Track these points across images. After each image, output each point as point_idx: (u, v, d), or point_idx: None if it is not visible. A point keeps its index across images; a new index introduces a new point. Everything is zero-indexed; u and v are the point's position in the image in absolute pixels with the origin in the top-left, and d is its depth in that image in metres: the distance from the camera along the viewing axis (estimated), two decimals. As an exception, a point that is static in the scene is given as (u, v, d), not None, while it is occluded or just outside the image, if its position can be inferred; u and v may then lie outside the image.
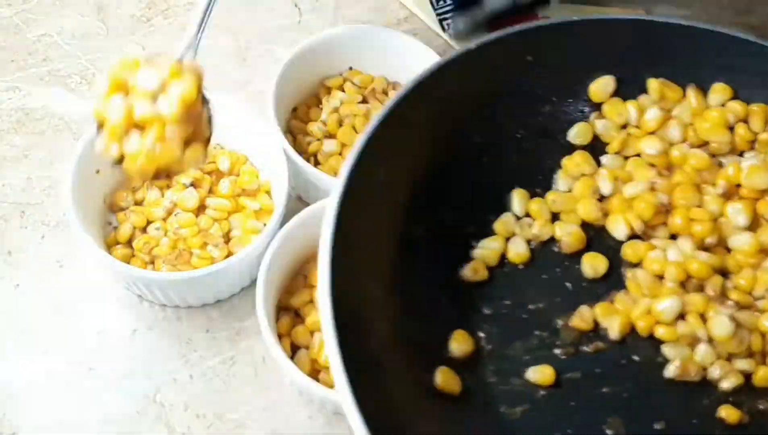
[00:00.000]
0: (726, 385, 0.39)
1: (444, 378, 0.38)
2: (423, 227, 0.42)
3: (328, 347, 0.34)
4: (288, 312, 0.47)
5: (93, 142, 0.48)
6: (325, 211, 0.38)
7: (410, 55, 0.55)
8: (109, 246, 0.49)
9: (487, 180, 0.44)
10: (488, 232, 0.43)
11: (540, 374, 0.39)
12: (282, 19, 0.63)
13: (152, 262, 0.48)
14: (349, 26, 0.56)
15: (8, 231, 0.51)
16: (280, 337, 0.45)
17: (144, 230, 0.49)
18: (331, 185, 0.49)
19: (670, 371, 0.40)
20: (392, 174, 0.41)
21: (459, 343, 0.40)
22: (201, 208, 0.50)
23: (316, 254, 0.48)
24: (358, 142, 0.40)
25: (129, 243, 0.49)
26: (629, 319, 0.41)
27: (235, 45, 0.61)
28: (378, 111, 0.42)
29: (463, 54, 0.44)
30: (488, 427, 0.38)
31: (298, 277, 0.48)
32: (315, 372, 0.45)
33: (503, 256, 0.43)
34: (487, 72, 0.45)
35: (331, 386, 0.44)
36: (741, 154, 0.45)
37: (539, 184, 0.45)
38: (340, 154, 0.52)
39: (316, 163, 0.53)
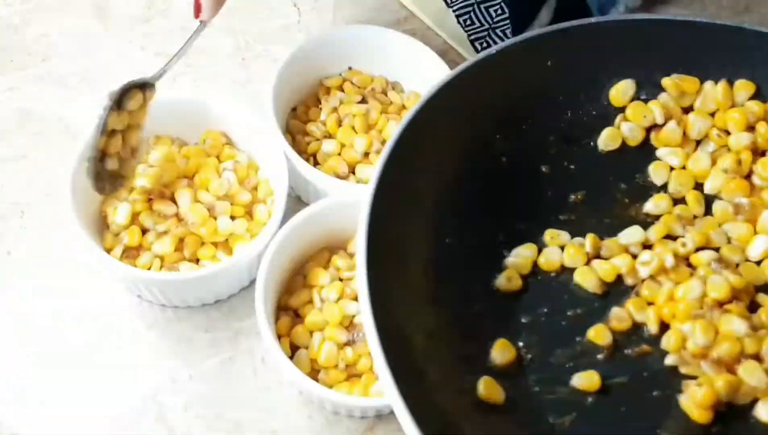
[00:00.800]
0: None
1: (487, 387, 0.37)
2: (453, 237, 0.41)
3: (376, 360, 0.34)
4: (287, 312, 0.47)
5: (92, 142, 0.48)
6: (359, 227, 0.37)
7: (409, 55, 0.55)
8: (109, 246, 0.49)
9: (515, 187, 0.44)
10: (518, 240, 0.43)
11: (585, 380, 0.38)
12: (282, 19, 0.63)
13: (151, 263, 0.48)
14: (348, 26, 0.56)
15: (8, 231, 0.51)
16: (279, 337, 0.45)
17: (142, 231, 0.49)
18: (330, 185, 0.50)
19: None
20: (419, 182, 0.41)
21: (501, 352, 0.39)
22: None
23: (315, 254, 0.49)
24: (386, 147, 0.40)
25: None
26: (661, 309, 0.40)
27: (234, 45, 0.61)
28: (404, 115, 0.41)
29: (482, 60, 0.44)
30: None
31: (298, 276, 0.49)
32: (314, 372, 0.46)
33: (536, 265, 0.42)
34: (507, 78, 0.44)
35: (330, 386, 0.44)
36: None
37: (569, 190, 0.44)
38: (339, 154, 0.52)
39: (316, 164, 0.52)
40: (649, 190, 0.45)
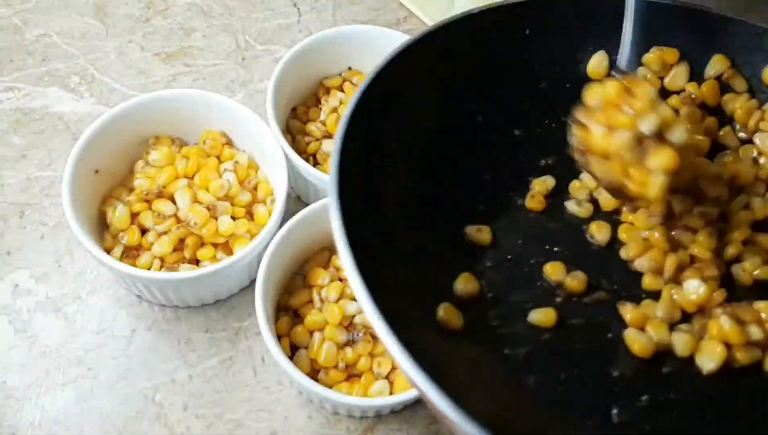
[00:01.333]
0: None
1: (446, 312, 0.38)
2: (430, 182, 0.42)
3: (349, 275, 0.35)
4: (287, 312, 0.47)
5: (92, 142, 0.48)
6: (329, 173, 0.38)
7: (409, 55, 0.55)
8: (108, 246, 0.49)
9: (487, 146, 0.44)
10: (488, 196, 0.43)
11: (542, 316, 0.39)
12: (281, 19, 0.63)
13: (151, 263, 0.48)
14: (348, 26, 0.56)
15: (7, 231, 0.51)
16: (279, 337, 0.45)
17: (142, 231, 0.49)
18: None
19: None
20: (390, 134, 0.41)
21: (464, 284, 0.40)
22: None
23: (315, 254, 0.49)
24: (355, 94, 0.40)
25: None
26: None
27: (234, 45, 0.61)
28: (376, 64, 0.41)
29: (462, 17, 0.45)
30: (492, 366, 0.38)
31: (297, 277, 0.49)
32: (314, 372, 0.46)
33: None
34: (485, 40, 0.45)
35: (330, 386, 0.44)
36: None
37: (540, 155, 0.45)
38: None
39: (315, 163, 0.53)
40: None
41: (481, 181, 0.44)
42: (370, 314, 0.34)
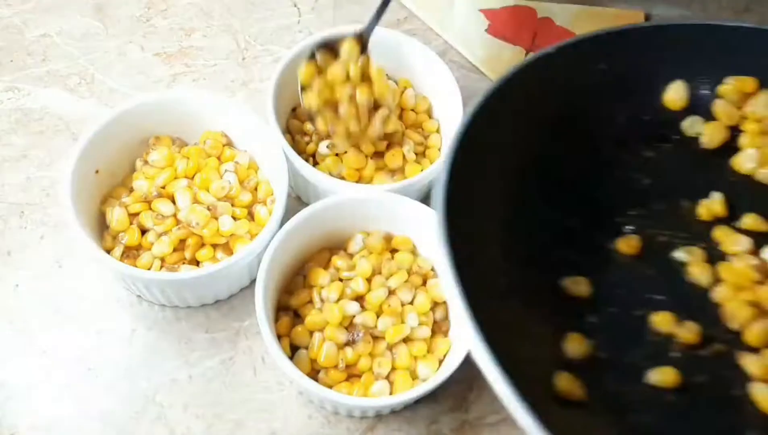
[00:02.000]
0: None
1: (566, 382, 0.36)
2: (522, 237, 0.40)
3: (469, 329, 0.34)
4: (287, 312, 0.47)
5: (92, 142, 0.48)
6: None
7: (409, 55, 0.55)
8: (108, 246, 0.49)
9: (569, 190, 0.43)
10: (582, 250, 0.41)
11: (663, 376, 0.37)
12: (282, 19, 0.63)
13: (151, 263, 0.48)
14: (348, 26, 0.56)
15: (8, 231, 0.51)
16: (279, 337, 0.45)
17: (142, 232, 0.49)
18: (330, 185, 0.49)
19: None
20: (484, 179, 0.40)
21: (575, 346, 0.38)
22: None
23: (315, 254, 0.49)
24: (455, 137, 0.39)
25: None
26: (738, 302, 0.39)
27: (234, 45, 0.61)
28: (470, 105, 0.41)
29: (537, 59, 0.43)
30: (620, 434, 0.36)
31: (298, 277, 0.49)
32: (314, 372, 0.46)
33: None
34: (560, 79, 0.44)
35: (330, 386, 0.44)
36: None
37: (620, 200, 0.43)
38: (336, 154, 0.52)
39: (315, 163, 0.52)
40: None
41: (569, 227, 0.42)
42: (496, 381, 0.32)
